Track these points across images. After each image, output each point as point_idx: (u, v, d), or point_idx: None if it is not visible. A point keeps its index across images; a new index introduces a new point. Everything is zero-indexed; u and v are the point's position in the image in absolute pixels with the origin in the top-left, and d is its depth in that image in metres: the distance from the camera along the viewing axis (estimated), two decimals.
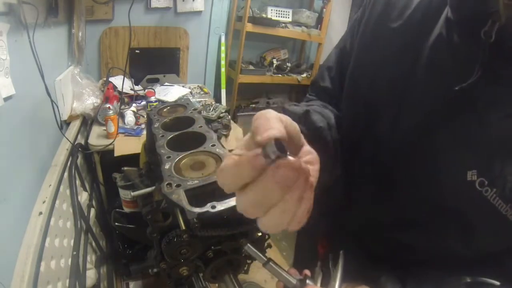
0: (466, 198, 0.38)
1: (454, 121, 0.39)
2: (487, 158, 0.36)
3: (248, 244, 0.45)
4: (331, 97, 0.59)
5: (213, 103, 1.80)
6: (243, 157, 0.24)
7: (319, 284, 0.43)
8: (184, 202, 0.46)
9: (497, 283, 0.44)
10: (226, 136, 1.59)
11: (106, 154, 1.36)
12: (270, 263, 0.42)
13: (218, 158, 0.60)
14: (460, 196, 0.39)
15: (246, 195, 0.24)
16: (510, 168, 0.35)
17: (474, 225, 0.40)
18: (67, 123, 1.36)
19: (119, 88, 1.54)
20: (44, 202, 0.87)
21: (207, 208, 0.45)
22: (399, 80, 0.45)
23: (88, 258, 1.15)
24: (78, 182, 1.18)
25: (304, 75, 2.64)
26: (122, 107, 1.56)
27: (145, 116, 1.46)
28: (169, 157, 0.60)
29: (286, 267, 0.44)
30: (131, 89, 1.76)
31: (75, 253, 0.98)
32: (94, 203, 1.34)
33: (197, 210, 0.44)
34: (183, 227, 0.47)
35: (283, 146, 0.24)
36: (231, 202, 0.47)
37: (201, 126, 0.74)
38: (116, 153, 1.29)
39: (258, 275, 1.63)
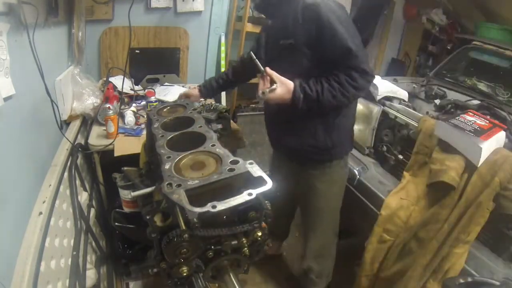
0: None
1: (280, 57, 1.04)
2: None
3: (251, 53, 0.99)
4: None
5: (213, 103, 1.79)
6: None
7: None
8: (185, 202, 0.46)
9: (497, 283, 0.45)
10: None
11: (106, 154, 1.35)
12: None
13: (218, 158, 0.60)
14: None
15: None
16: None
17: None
18: (67, 123, 1.36)
19: (119, 88, 1.54)
20: (44, 202, 0.87)
21: (208, 207, 0.45)
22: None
23: (88, 258, 1.15)
24: (78, 182, 1.18)
25: None
26: (122, 107, 1.56)
27: (145, 116, 1.46)
28: (169, 157, 0.60)
29: None
30: (131, 89, 1.76)
31: (75, 253, 0.98)
32: (94, 203, 1.34)
33: (198, 209, 0.45)
34: (183, 227, 0.47)
35: None
36: (231, 202, 0.47)
37: (201, 126, 0.74)
38: (116, 153, 1.29)
39: (258, 275, 1.63)
